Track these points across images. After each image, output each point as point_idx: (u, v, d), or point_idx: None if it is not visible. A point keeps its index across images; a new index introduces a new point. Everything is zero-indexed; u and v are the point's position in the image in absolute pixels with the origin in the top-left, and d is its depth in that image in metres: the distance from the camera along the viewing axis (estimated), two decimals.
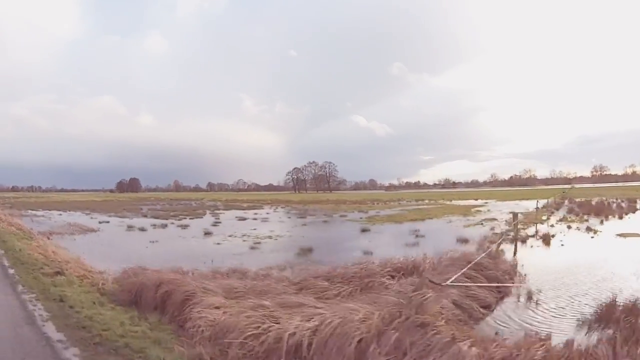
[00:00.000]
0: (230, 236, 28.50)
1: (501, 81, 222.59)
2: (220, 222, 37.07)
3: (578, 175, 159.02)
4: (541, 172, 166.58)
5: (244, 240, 27.09)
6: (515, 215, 20.19)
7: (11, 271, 13.76)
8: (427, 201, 74.30)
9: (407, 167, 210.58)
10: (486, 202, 64.31)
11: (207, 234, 29.51)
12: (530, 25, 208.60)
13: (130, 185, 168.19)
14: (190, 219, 40.87)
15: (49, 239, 25.20)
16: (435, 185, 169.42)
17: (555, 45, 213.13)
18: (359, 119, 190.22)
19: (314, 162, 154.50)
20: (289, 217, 44.44)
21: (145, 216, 42.78)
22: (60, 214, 42.82)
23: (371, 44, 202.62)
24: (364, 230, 28.64)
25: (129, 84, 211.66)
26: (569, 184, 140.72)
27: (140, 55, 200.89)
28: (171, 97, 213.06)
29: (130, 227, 32.18)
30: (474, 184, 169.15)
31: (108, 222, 35.91)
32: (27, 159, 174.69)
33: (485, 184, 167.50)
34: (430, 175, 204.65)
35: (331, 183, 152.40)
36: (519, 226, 20.78)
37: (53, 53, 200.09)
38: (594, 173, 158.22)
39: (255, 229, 32.39)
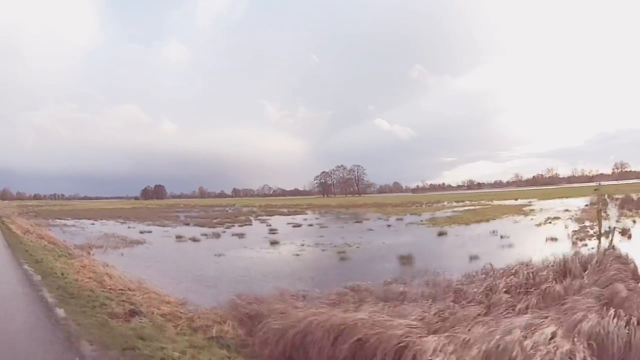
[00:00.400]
0: (302, 245, 23.55)
1: (521, 81, 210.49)
2: (276, 230, 31.88)
3: (599, 172, 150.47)
4: (562, 171, 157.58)
5: (323, 250, 22.33)
6: (599, 211, 18.82)
7: (60, 312, 8.54)
8: (468, 202, 68.36)
9: (430, 169, 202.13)
10: (530, 202, 59.44)
11: (274, 243, 24.52)
12: (548, 24, 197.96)
13: (155, 192, 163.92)
14: (239, 226, 35.87)
15: (89, 254, 20.24)
16: (459, 187, 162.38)
17: (572, 42, 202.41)
18: (382, 122, 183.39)
19: (342, 165, 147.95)
20: (346, 223, 39.09)
21: (187, 224, 37.87)
22: (93, 223, 38.12)
23: (391, 47, 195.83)
24: (440, 234, 26.21)
25: (151, 92, 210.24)
26: (591, 181, 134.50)
27: (161, 63, 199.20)
28: (193, 104, 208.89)
29: (179, 238, 27.27)
30: (498, 184, 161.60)
31: (150, 231, 31.00)
32: (49, 167, 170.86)
33: (509, 184, 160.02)
34: (453, 177, 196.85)
35: (360, 186, 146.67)
36: (588, 222, 22.36)
37: (73, 62, 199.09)
38: (615, 170, 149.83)
39: (322, 236, 27.61)
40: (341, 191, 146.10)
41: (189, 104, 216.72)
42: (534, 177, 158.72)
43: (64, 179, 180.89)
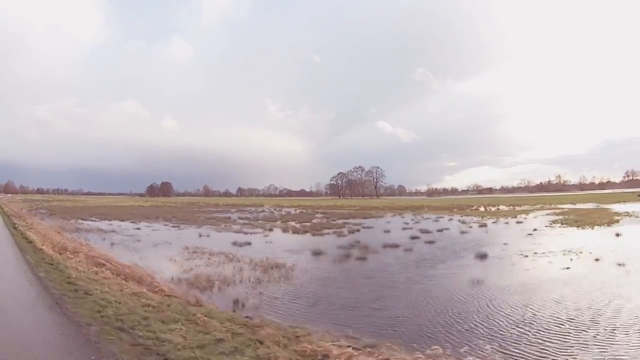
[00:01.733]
0: (527, 256, 14.47)
1: (526, 86, 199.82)
2: (431, 239, 20.09)
3: (608, 180, 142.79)
4: (566, 178, 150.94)
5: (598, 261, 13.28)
6: None
7: None
8: (528, 207, 57.31)
9: (432, 173, 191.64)
10: (597, 206, 49.81)
11: (482, 256, 14.58)
12: (555, 30, 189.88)
13: (161, 190, 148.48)
14: (349, 232, 23.90)
15: (238, 304, 8.04)
16: (467, 192, 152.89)
17: (578, 49, 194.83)
18: (384, 125, 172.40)
19: (360, 166, 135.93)
20: (470, 227, 27.55)
21: (270, 230, 25.48)
22: (138, 228, 24.83)
23: (395, 50, 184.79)
24: (618, 235, 20.65)
25: (154, 88, 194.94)
26: (603, 189, 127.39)
27: (165, 61, 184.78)
28: (196, 101, 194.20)
29: (319, 254, 15.24)
30: (506, 189, 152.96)
31: (249, 243, 18.60)
32: (51, 161, 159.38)
33: (517, 189, 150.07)
34: (455, 182, 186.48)
35: (377, 189, 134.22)
36: None
37: (76, 57, 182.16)
38: (625, 178, 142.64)
39: (506, 244, 18.26)
40: (352, 193, 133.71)
41: (190, 101, 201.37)
42: (541, 183, 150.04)
43: (66, 174, 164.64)
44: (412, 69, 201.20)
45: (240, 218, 35.41)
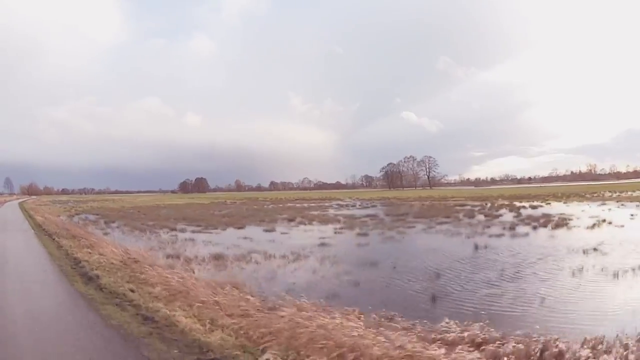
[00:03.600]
0: None
1: (549, 75, 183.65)
2: None
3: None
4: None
5: None
6: None
7: None
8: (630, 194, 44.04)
9: (460, 163, 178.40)
10: None
11: None
12: (578, 19, 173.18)
13: (195, 186, 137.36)
14: None
15: None
16: (502, 181, 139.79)
17: (600, 38, 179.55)
18: (410, 115, 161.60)
19: (411, 156, 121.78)
20: None
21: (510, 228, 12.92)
22: (321, 243, 11.84)
23: (418, 38, 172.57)
24: None
25: (175, 85, 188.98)
26: (639, 177, 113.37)
27: (185, 57, 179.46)
28: (218, 97, 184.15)
29: None
30: (537, 179, 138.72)
31: None
32: (74, 161, 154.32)
33: (548, 179, 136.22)
34: (482, 172, 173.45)
35: (429, 179, 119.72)
36: None
37: (94, 57, 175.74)
38: None
39: None
40: (399, 184, 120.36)
41: (213, 96, 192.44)
42: (572, 172, 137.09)
43: (89, 173, 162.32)
44: (435, 58, 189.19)
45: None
